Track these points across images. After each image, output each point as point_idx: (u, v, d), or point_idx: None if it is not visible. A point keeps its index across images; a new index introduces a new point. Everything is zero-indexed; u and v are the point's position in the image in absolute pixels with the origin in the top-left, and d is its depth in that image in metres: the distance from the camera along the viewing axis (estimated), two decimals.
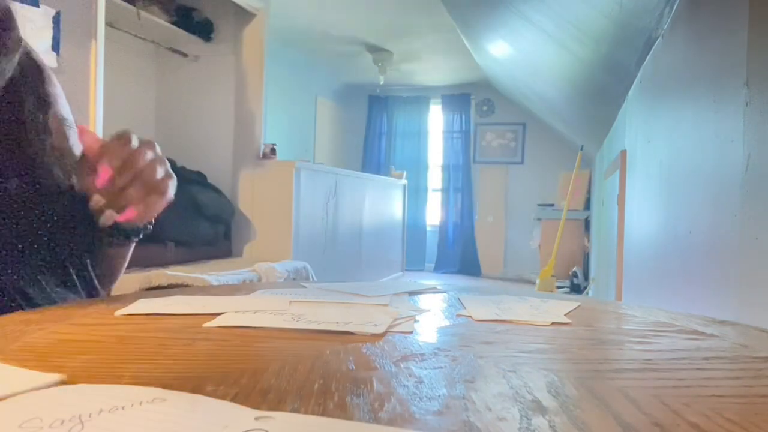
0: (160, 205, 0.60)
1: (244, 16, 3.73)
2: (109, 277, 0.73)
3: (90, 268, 0.67)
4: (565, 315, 0.55)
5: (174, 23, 3.57)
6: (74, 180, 0.65)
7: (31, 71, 0.64)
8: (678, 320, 0.55)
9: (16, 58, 0.61)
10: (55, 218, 0.63)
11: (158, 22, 3.41)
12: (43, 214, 0.62)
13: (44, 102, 0.63)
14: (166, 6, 3.54)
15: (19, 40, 0.61)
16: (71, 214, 0.64)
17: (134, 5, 3.18)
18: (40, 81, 0.65)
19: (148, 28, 3.48)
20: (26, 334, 0.42)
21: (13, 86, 0.60)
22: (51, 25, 2.29)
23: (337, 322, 0.47)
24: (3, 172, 0.59)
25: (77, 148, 0.66)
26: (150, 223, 0.68)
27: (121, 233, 0.65)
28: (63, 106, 0.68)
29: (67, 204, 0.64)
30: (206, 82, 3.84)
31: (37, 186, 0.61)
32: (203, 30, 3.77)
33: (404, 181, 6.00)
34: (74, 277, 0.64)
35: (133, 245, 0.72)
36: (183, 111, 3.87)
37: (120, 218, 0.58)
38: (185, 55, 3.83)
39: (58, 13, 2.33)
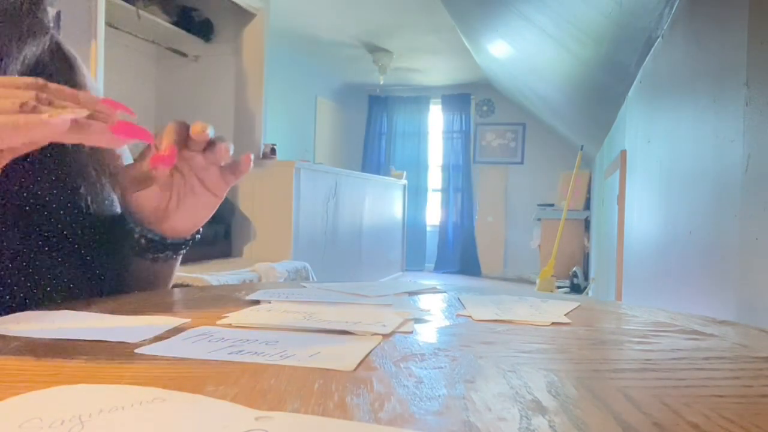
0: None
1: (244, 16, 3.73)
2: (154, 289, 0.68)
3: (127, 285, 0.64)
4: (565, 315, 0.55)
5: (174, 23, 3.57)
6: (110, 178, 0.62)
7: (62, 62, 0.61)
8: (678, 320, 0.55)
9: (40, 46, 0.58)
10: (93, 231, 0.59)
11: (158, 22, 3.42)
12: (81, 226, 0.58)
13: None
14: (166, 6, 3.54)
15: (46, 26, 0.58)
16: (110, 227, 0.61)
17: (134, 5, 3.18)
18: (71, 72, 0.62)
19: (148, 28, 3.48)
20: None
21: (44, 78, 0.58)
22: None
23: (347, 321, 0.47)
24: (41, 179, 0.56)
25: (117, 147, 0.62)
26: (197, 232, 0.63)
27: (169, 247, 0.61)
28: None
29: (106, 221, 0.61)
30: (206, 82, 3.84)
31: (76, 197, 0.58)
32: (203, 30, 3.77)
33: (404, 181, 6.00)
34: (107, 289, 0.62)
35: (179, 258, 0.66)
36: (183, 111, 3.87)
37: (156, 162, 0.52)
38: (185, 55, 3.83)
39: (58, 13, 2.33)
